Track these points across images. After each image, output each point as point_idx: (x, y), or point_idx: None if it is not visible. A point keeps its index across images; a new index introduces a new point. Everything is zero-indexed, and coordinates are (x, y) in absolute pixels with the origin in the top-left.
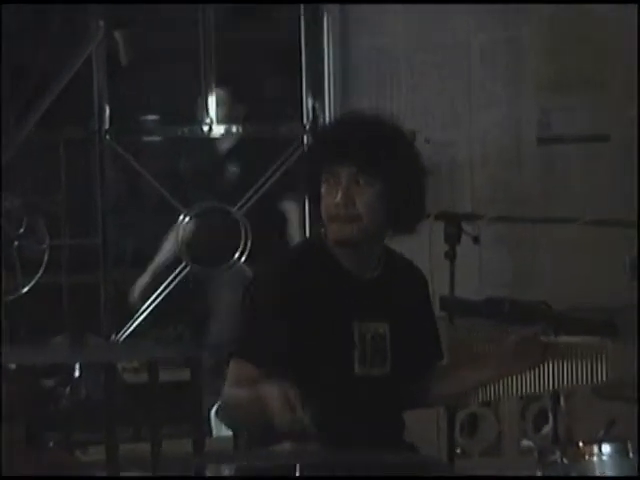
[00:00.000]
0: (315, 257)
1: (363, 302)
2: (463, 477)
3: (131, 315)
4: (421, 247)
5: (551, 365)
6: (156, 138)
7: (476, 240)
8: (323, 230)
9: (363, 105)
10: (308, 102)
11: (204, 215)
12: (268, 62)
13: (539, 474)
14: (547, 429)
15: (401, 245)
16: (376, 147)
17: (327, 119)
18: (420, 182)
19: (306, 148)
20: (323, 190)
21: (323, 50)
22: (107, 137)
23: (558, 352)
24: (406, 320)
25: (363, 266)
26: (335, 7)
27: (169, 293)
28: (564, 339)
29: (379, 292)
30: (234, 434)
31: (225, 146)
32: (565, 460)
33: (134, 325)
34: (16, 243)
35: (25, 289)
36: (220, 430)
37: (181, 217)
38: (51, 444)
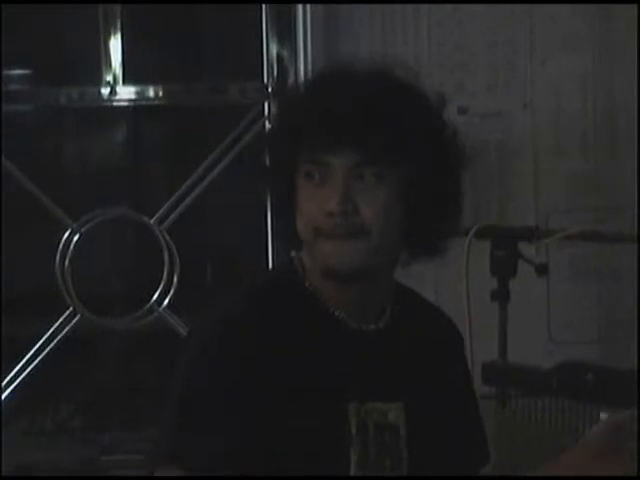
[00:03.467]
0: (289, 300)
1: (363, 370)
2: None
3: None
4: (452, 282)
5: None
6: (27, 106)
7: (542, 270)
8: (297, 256)
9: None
10: (271, 51)
11: (103, 230)
12: None
13: None
14: None
15: (419, 279)
16: (391, 121)
17: (302, 76)
18: (456, 176)
19: (270, 123)
20: (301, 190)
21: None
22: None
23: None
24: (431, 399)
25: (363, 311)
26: None
27: (50, 355)
28: None
29: (387, 353)
30: None
31: (138, 119)
32: None
33: None
34: None
35: None
36: None
37: (67, 233)
38: None
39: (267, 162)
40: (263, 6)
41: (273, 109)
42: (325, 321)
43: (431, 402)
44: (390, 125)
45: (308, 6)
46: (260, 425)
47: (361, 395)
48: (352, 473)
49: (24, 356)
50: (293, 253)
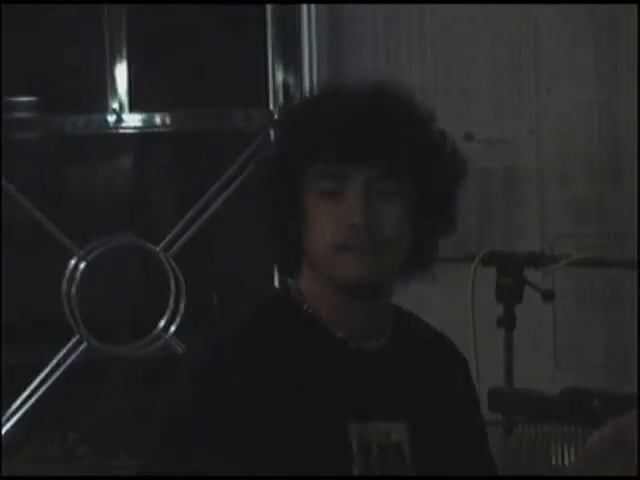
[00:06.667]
0: (287, 322)
1: (364, 389)
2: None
3: None
4: (458, 308)
5: None
6: (32, 134)
7: (548, 297)
8: (292, 283)
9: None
10: (277, 78)
11: (109, 258)
12: (213, 17)
13: None
14: None
15: (424, 304)
16: (403, 135)
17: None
18: (457, 191)
19: (275, 136)
20: (316, 208)
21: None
22: None
23: None
24: (434, 421)
25: (363, 330)
26: None
27: (57, 383)
28: None
29: (386, 371)
30: None
31: (144, 147)
32: None
33: None
34: None
35: None
36: None
37: (73, 261)
38: None
39: (275, 180)
40: (269, 33)
41: (274, 132)
42: (325, 342)
43: (435, 423)
44: (403, 139)
45: (314, 32)
46: (261, 445)
47: (362, 414)
48: None
49: (31, 384)
50: (289, 280)
